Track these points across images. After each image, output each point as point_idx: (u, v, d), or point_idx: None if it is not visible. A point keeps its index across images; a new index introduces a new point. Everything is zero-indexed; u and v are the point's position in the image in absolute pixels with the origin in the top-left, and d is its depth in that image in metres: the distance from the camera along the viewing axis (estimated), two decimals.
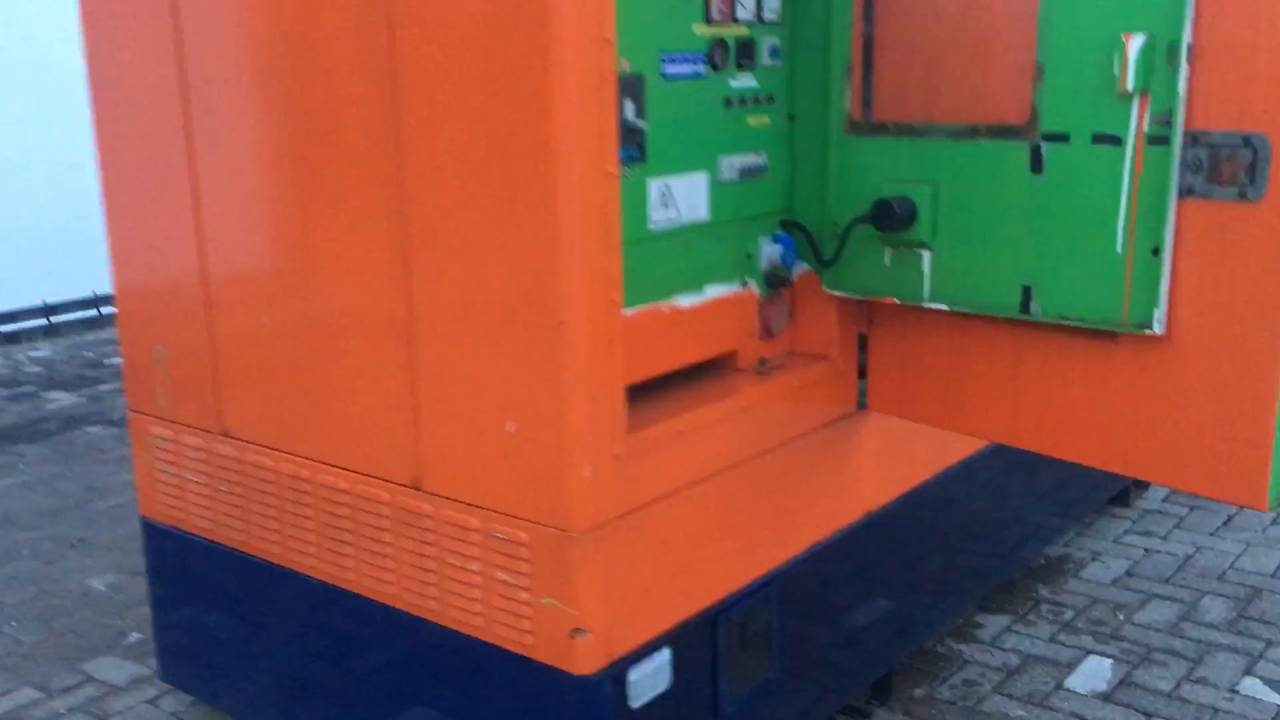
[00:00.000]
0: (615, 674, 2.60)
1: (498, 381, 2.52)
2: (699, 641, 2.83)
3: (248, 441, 3.12)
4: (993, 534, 4.14)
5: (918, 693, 3.72)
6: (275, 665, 3.27)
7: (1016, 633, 4.08)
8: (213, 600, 3.41)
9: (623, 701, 2.62)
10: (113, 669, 3.98)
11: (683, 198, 2.76)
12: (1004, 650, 3.97)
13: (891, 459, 3.44)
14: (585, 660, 2.54)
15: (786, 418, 2.99)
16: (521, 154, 2.35)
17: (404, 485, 2.76)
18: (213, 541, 3.30)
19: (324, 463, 2.93)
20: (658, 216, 2.70)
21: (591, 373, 2.42)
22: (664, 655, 2.72)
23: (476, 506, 2.63)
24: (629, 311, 2.63)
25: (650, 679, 2.68)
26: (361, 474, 2.85)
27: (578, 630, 2.52)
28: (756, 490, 2.93)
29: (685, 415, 2.69)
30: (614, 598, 2.57)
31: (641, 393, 2.74)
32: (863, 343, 3.17)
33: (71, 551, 4.98)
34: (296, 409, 2.97)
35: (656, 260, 2.72)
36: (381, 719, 3.02)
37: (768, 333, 3.04)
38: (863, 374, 3.20)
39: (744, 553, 2.93)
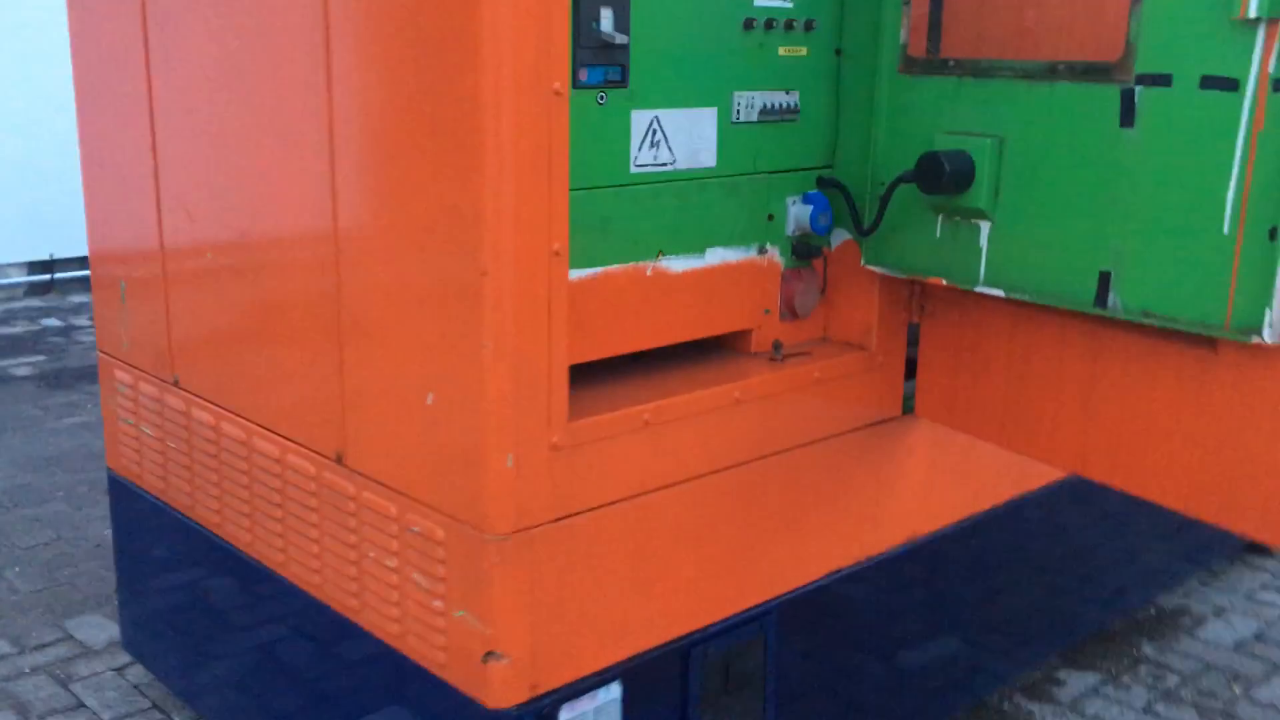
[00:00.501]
0: (540, 710, 2.13)
1: (421, 344, 2.07)
2: (665, 678, 2.34)
3: (194, 395, 2.75)
4: (1089, 575, 3.50)
5: None
6: (215, 649, 2.91)
7: (1104, 696, 3.43)
8: (163, 568, 3.07)
9: None
10: (94, 629, 3.70)
11: (679, 137, 2.25)
12: (1084, 716, 3.33)
13: (951, 476, 2.86)
14: (500, 691, 2.08)
15: (803, 416, 2.46)
16: (446, 60, 1.89)
17: (328, 458, 2.34)
18: (162, 502, 2.96)
19: (258, 425, 2.54)
20: (643, 157, 2.21)
21: (521, 338, 1.94)
22: (611, 692, 2.23)
23: (396, 491, 2.19)
24: (595, 270, 2.15)
25: None
26: (291, 441, 2.45)
27: (491, 654, 2.06)
28: (756, 500, 2.41)
29: (656, 403, 2.19)
30: (542, 618, 2.09)
31: (614, 371, 2.26)
32: (914, 335, 2.62)
33: (104, 497, 4.74)
34: (236, 361, 2.59)
35: (640, 211, 2.22)
36: None
37: (791, 312, 2.51)
38: (912, 372, 2.64)
39: (732, 575, 2.41)
